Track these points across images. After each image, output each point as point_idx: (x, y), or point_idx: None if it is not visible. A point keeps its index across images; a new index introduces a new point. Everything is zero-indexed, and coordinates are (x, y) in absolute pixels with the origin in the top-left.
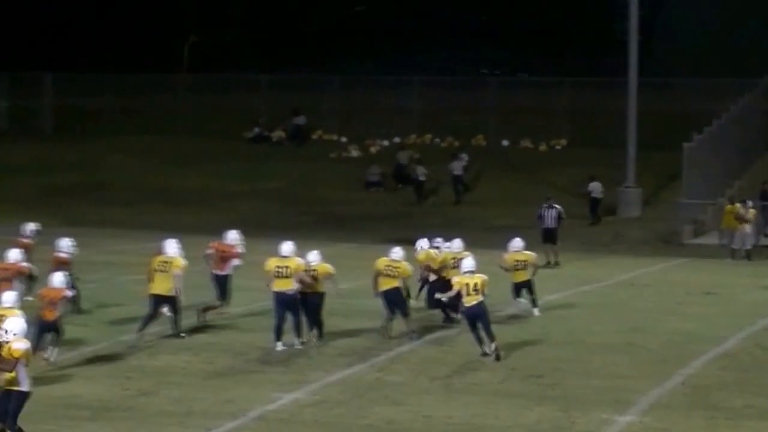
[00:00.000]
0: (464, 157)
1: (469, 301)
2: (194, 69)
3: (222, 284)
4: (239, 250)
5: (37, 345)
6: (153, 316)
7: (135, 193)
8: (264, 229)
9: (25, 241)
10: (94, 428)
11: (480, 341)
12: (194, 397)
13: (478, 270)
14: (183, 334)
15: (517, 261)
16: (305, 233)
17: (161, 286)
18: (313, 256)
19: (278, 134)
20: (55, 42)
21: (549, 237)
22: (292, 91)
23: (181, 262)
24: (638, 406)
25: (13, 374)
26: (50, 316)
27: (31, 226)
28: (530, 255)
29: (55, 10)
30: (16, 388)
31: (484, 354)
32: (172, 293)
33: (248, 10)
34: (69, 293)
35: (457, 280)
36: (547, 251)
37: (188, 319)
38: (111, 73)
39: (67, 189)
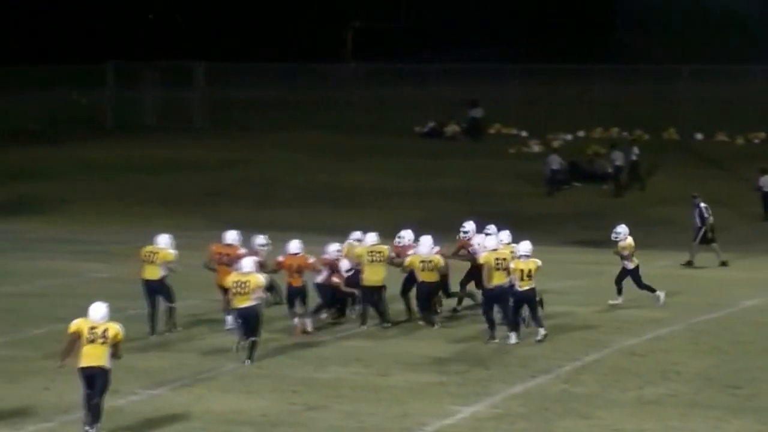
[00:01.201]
0: (630, 150)
1: (522, 286)
2: (360, 59)
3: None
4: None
5: (289, 312)
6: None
7: (300, 192)
8: (437, 229)
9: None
10: None
11: (515, 326)
12: (367, 411)
13: None
14: (179, 328)
15: None
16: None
17: (150, 273)
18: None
19: (452, 128)
20: (209, 31)
21: (702, 237)
22: (466, 82)
23: (170, 254)
24: None
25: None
26: (297, 282)
27: (260, 239)
28: None
29: None
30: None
31: (491, 338)
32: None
33: None
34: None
35: (512, 267)
36: (692, 251)
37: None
38: (270, 63)
39: (225, 188)
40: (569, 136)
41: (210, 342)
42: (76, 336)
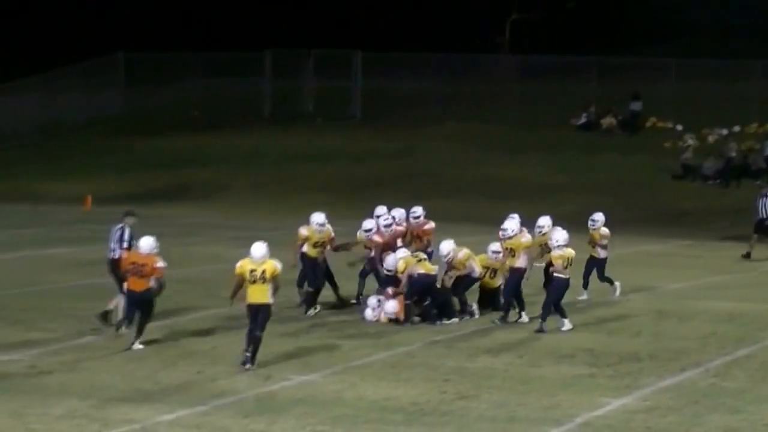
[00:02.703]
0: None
1: (566, 275)
2: (517, 50)
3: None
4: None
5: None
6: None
7: (456, 184)
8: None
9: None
10: None
11: (564, 311)
12: (517, 401)
13: None
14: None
15: None
16: (635, 228)
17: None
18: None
19: (609, 121)
20: (366, 20)
21: (761, 228)
22: (625, 76)
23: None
24: None
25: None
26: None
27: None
28: None
29: None
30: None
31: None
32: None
33: None
34: None
35: (559, 254)
36: (752, 243)
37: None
38: (427, 54)
39: (382, 178)
40: (725, 131)
41: (362, 330)
42: (241, 278)
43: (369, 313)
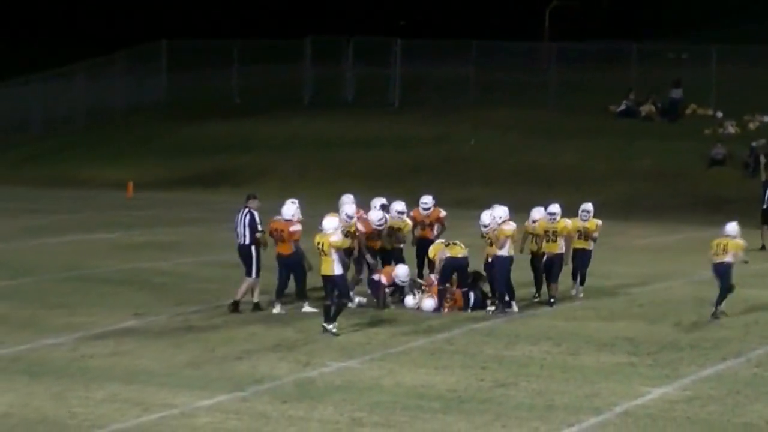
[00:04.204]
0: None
1: (509, 252)
2: (557, 37)
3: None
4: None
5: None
6: None
7: (497, 171)
8: (631, 211)
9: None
10: (448, 420)
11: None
12: (556, 389)
13: None
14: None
15: None
16: (676, 216)
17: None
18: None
19: (648, 108)
20: (405, 7)
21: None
22: (665, 62)
23: None
24: None
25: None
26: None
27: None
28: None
29: None
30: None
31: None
32: None
33: None
34: None
35: (509, 230)
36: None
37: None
38: (465, 40)
39: (421, 165)
40: (766, 118)
41: (400, 317)
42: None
43: (409, 301)
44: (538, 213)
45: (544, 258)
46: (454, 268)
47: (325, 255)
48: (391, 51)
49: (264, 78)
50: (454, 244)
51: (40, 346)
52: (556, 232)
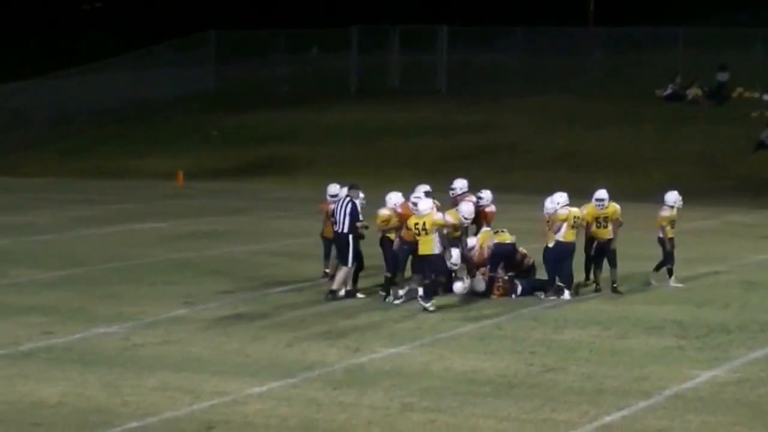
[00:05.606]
0: None
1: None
2: (601, 22)
3: None
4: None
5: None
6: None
7: (539, 156)
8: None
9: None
10: (498, 405)
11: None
12: (604, 373)
13: None
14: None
15: None
16: (722, 199)
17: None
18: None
19: (694, 91)
20: None
21: None
22: (711, 46)
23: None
24: None
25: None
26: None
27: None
28: None
29: None
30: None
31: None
32: None
33: None
34: None
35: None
36: None
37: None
38: (510, 27)
39: (466, 152)
40: None
41: (448, 303)
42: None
43: (458, 286)
44: (550, 203)
45: (595, 244)
46: (501, 255)
47: (426, 234)
48: (437, 38)
49: (311, 67)
50: (502, 231)
51: (92, 336)
52: (607, 217)
